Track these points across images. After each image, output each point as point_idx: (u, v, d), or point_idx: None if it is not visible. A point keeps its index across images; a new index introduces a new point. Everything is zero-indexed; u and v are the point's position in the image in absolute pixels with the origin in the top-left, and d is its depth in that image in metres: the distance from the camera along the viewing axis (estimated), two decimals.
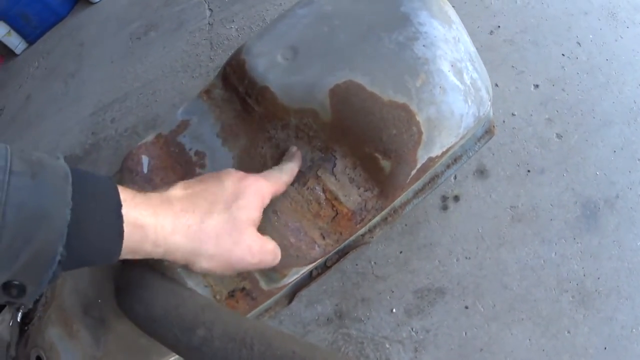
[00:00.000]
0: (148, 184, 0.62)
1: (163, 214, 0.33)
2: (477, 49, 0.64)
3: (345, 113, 0.52)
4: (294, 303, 0.71)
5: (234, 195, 0.38)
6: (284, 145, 0.57)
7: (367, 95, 0.51)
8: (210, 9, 1.46)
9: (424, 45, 0.53)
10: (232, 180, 0.40)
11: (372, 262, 0.87)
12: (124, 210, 0.30)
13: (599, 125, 0.92)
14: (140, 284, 0.43)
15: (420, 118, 0.53)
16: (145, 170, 0.64)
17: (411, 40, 0.53)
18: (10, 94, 1.90)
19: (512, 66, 0.99)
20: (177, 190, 0.37)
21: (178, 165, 0.63)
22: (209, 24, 1.42)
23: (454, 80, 0.55)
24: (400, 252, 0.86)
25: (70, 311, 0.62)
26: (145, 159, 0.65)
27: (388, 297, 0.84)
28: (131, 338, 0.59)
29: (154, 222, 0.32)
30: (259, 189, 0.41)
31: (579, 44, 1.04)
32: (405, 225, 0.88)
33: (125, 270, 0.49)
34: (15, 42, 2.15)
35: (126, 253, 0.32)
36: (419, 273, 0.85)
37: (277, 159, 0.57)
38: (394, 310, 0.83)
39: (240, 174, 0.41)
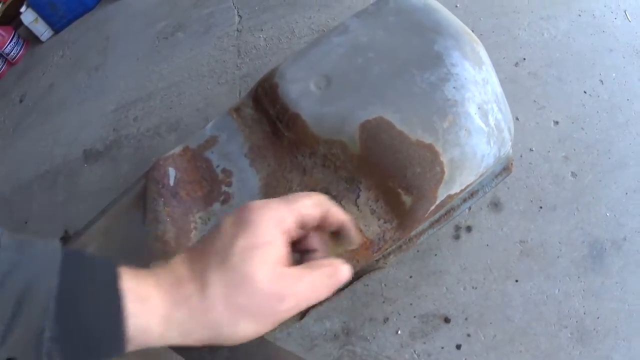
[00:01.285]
0: (174, 197, 0.64)
1: (165, 286, 0.28)
2: (501, 80, 0.65)
3: (374, 148, 0.54)
4: (304, 318, 0.72)
5: (232, 237, 0.29)
6: (311, 172, 0.58)
7: (396, 133, 0.53)
8: (239, 15, 1.48)
9: (454, 87, 0.54)
10: (231, 219, 0.30)
11: (383, 284, 0.88)
12: (122, 283, 0.26)
13: (613, 166, 0.93)
14: None
15: (444, 159, 0.55)
16: (171, 182, 0.65)
17: (442, 81, 0.54)
18: (33, 81, 1.93)
19: (534, 100, 1.00)
20: (178, 258, 0.30)
21: (204, 180, 0.65)
22: (237, 30, 1.44)
23: (480, 123, 0.57)
24: (410, 277, 0.87)
25: None
26: (172, 171, 0.67)
27: (395, 319, 0.85)
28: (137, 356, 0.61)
29: (155, 294, 0.27)
30: (272, 214, 0.30)
31: (601, 81, 1.04)
32: (417, 251, 0.89)
33: None
34: (42, 30, 2.18)
35: (134, 337, 0.26)
36: (426, 298, 0.86)
37: (303, 185, 0.59)
38: (399, 332, 0.84)
39: (245, 206, 0.31)
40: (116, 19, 1.88)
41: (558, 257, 0.87)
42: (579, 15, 1.18)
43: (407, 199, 0.56)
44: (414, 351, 0.83)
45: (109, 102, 1.54)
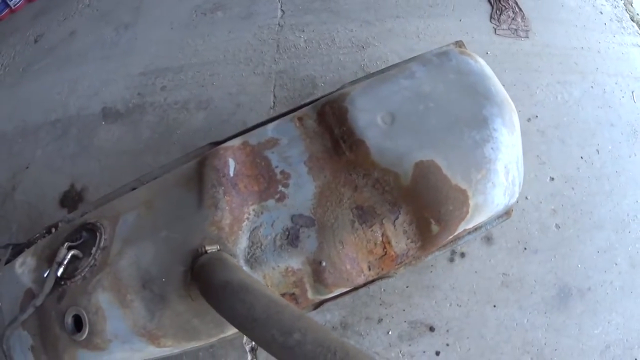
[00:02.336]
0: (233, 187, 0.74)
1: None
2: None
3: (421, 184, 0.68)
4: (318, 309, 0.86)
5: None
6: (361, 190, 0.71)
7: (442, 176, 0.67)
8: (282, 10, 1.57)
9: (492, 148, 0.70)
10: None
11: (382, 289, 1.03)
12: None
13: (592, 226, 1.12)
14: (242, 287, 0.55)
15: (471, 202, 0.70)
16: (231, 173, 0.76)
17: (484, 142, 0.69)
18: (53, 23, 1.92)
19: (537, 155, 1.18)
20: None
21: (261, 177, 0.77)
22: (279, 25, 1.53)
23: (502, 179, 0.72)
24: (407, 287, 1.03)
25: (127, 282, 0.73)
26: (232, 162, 0.78)
27: (388, 321, 1.01)
28: (186, 318, 0.72)
29: None
30: None
31: (597, 151, 1.24)
32: (415, 266, 1.04)
33: (220, 271, 0.61)
34: None
35: None
36: (417, 307, 1.02)
37: (352, 200, 0.71)
38: (390, 332, 1.00)
39: None
40: None
41: (531, 292, 1.05)
42: (592, 87, 1.37)
43: (435, 228, 0.71)
44: (400, 351, 0.99)
45: (136, 64, 1.59)
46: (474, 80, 0.74)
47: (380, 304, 1.03)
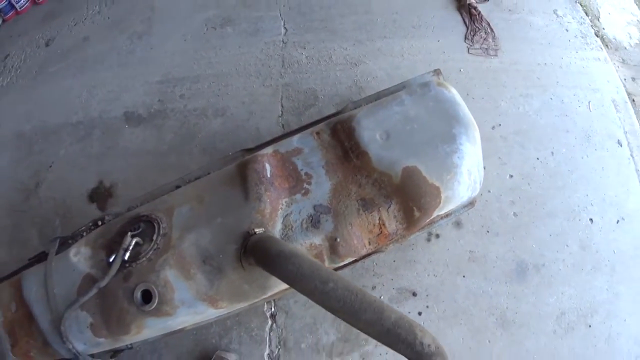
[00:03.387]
0: (270, 185, 1.04)
1: None
2: (481, 137, 1.12)
3: (407, 182, 0.99)
4: None
5: None
6: (364, 187, 1.02)
7: (422, 177, 0.99)
8: (285, 28, 1.85)
9: (458, 157, 1.02)
10: None
11: (374, 263, 1.35)
12: None
13: (545, 215, 1.47)
14: (291, 254, 0.85)
15: (443, 195, 1.02)
16: (268, 174, 1.05)
17: (453, 152, 1.01)
18: (63, 29, 2.12)
19: (499, 157, 1.52)
20: None
21: (291, 177, 1.06)
22: (282, 42, 1.81)
23: (466, 179, 1.05)
24: (394, 261, 1.36)
25: (189, 259, 1.01)
26: (268, 166, 1.07)
27: (379, 288, 1.33)
28: (238, 284, 1.01)
29: None
30: None
31: (552, 153, 1.58)
32: (401, 245, 1.36)
33: (273, 244, 0.89)
34: None
35: None
36: (402, 278, 1.35)
37: (357, 194, 1.02)
38: (382, 297, 1.33)
39: None
40: None
41: (494, 267, 1.39)
42: (551, 99, 1.71)
43: (417, 214, 1.03)
44: None
45: (153, 73, 1.83)
46: (447, 106, 1.06)
47: (373, 275, 1.35)
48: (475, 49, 1.78)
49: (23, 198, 1.74)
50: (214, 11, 1.95)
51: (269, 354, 1.33)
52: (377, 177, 1.02)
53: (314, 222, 1.01)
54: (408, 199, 1.01)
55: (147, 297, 1.00)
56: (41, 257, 1.32)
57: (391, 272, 1.35)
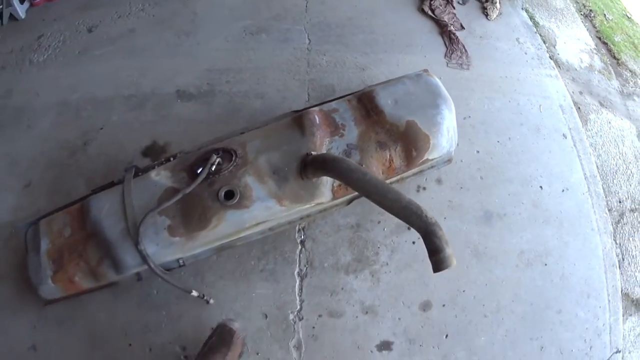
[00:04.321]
0: (319, 129, 1.70)
1: None
2: (455, 124, 1.85)
3: (408, 131, 1.71)
4: (349, 207, 1.82)
5: None
6: (380, 133, 1.71)
7: (418, 128, 1.71)
8: (309, 39, 2.59)
9: (440, 118, 1.76)
10: None
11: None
12: None
13: (504, 180, 2.19)
14: (342, 158, 1.50)
15: (431, 142, 1.75)
16: (317, 122, 1.72)
17: (437, 114, 1.75)
18: (105, 18, 2.73)
19: (469, 139, 2.25)
20: None
21: (331, 125, 1.75)
22: (307, 49, 2.54)
23: (445, 133, 1.78)
24: None
25: (263, 170, 1.65)
26: (316, 117, 1.74)
27: (383, 223, 1.98)
28: (297, 190, 1.66)
29: None
30: None
31: (509, 139, 2.33)
32: (402, 185, 2.01)
33: (326, 155, 1.55)
34: None
35: None
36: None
37: (375, 139, 1.70)
38: (385, 229, 1.97)
39: None
40: (203, 0, 2.84)
41: (467, 213, 2.08)
42: (509, 101, 2.49)
43: (414, 154, 1.72)
44: (391, 240, 1.95)
45: (201, 63, 2.49)
46: (433, 88, 1.80)
47: (378, 213, 1.98)
48: (453, 64, 2.57)
49: (68, 154, 2.20)
50: (250, 21, 2.67)
51: (298, 272, 1.91)
52: (389, 127, 1.71)
53: (347, 154, 1.67)
54: (409, 142, 1.70)
55: (229, 195, 1.59)
56: (105, 187, 1.81)
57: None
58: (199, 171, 1.61)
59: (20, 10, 2.99)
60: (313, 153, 1.61)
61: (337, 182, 1.67)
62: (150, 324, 1.79)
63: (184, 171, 1.67)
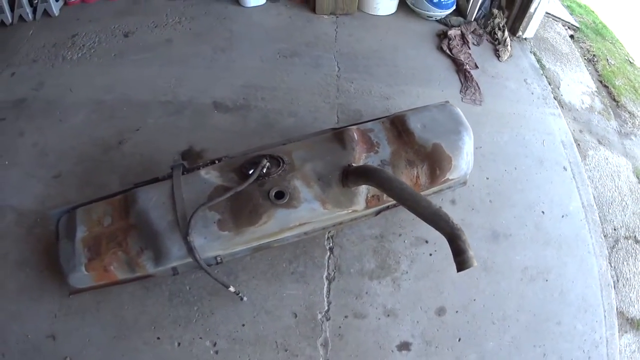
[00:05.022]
0: (357, 144, 2.09)
1: None
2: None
3: (434, 152, 2.11)
4: (373, 219, 2.19)
5: None
6: (409, 153, 2.10)
7: (442, 150, 2.12)
8: (338, 66, 3.02)
9: (461, 143, 2.17)
10: None
11: (400, 219, 2.36)
12: None
13: (510, 205, 2.58)
14: (380, 169, 1.88)
15: (453, 163, 2.15)
16: (356, 138, 2.11)
17: (459, 139, 2.17)
18: (142, 26, 3.13)
19: (480, 166, 2.64)
20: None
21: (367, 143, 2.14)
22: (337, 75, 2.96)
23: (464, 157, 2.19)
24: (412, 219, 2.34)
25: (309, 176, 2.03)
26: (355, 134, 2.13)
27: (404, 236, 2.33)
28: (338, 196, 2.05)
29: None
30: None
31: (515, 168, 2.74)
32: None
33: (366, 166, 1.93)
34: None
35: None
36: (418, 230, 2.35)
37: (405, 157, 2.09)
38: (405, 241, 2.32)
39: None
40: (238, 21, 3.29)
41: (476, 232, 2.45)
42: (516, 135, 2.92)
43: (438, 172, 2.11)
44: (410, 252, 2.30)
45: (237, 78, 2.88)
46: (456, 116, 2.21)
47: (400, 227, 2.35)
48: (467, 99, 3.03)
49: (102, 151, 2.51)
50: (284, 45, 3.11)
51: (326, 276, 2.22)
52: (417, 148, 2.11)
53: None
54: (434, 162, 2.09)
55: (279, 195, 1.91)
56: (149, 182, 2.02)
57: (411, 226, 2.37)
58: (250, 172, 1.93)
59: (55, 8, 3.34)
60: (354, 164, 1.99)
61: (370, 194, 2.03)
62: (180, 319, 2.00)
63: (232, 172, 1.99)
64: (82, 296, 1.97)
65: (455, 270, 1.61)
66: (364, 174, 1.91)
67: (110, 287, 1.96)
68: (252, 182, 1.90)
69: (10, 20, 3.22)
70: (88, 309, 1.99)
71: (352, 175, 1.95)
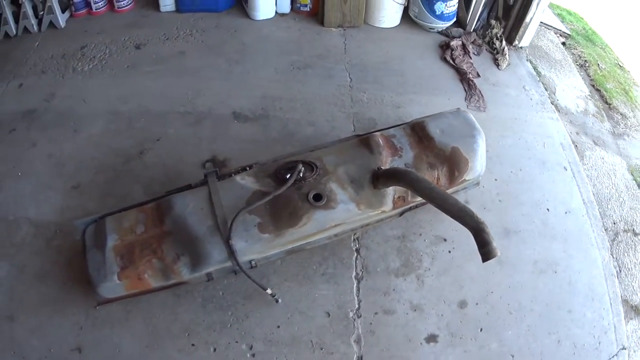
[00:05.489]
0: (383, 150, 2.34)
1: None
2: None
3: (453, 155, 2.37)
4: (395, 221, 2.45)
5: None
6: (429, 156, 2.37)
7: (460, 153, 2.38)
8: (350, 77, 3.28)
9: (476, 146, 2.45)
10: None
11: (420, 219, 2.61)
12: None
13: (518, 203, 2.84)
14: (410, 170, 2.13)
15: (469, 165, 2.42)
16: (381, 144, 2.37)
17: (474, 143, 2.44)
18: (153, 38, 3.31)
19: (489, 169, 2.92)
20: None
21: (392, 148, 2.40)
22: (349, 86, 3.21)
23: (479, 159, 2.48)
24: (431, 220, 2.63)
25: (343, 179, 2.26)
26: (380, 140, 2.39)
27: (424, 235, 2.57)
28: (370, 197, 2.28)
29: None
30: None
31: (520, 169, 3.03)
32: None
33: (395, 168, 2.19)
34: (167, 2, 3.61)
35: None
36: (437, 229, 2.60)
37: (426, 161, 2.35)
38: (425, 240, 2.57)
39: None
40: (249, 33, 3.52)
41: (490, 229, 2.71)
42: (519, 139, 3.20)
43: (456, 174, 2.38)
44: (431, 250, 2.55)
45: (254, 90, 3.10)
46: (470, 121, 2.49)
47: (420, 227, 2.59)
48: (472, 106, 3.33)
49: (123, 161, 2.63)
50: (297, 57, 3.36)
51: (355, 275, 2.42)
52: (437, 151, 2.37)
53: None
54: (453, 164, 2.36)
55: (317, 198, 2.12)
56: (182, 189, 2.13)
57: (430, 225, 2.62)
58: (287, 176, 2.12)
59: (61, 19, 3.47)
60: (382, 167, 2.24)
61: (397, 195, 2.27)
62: (214, 324, 2.10)
63: (267, 177, 2.17)
64: (110, 307, 2.03)
65: (478, 263, 1.85)
66: (395, 176, 2.16)
67: (139, 296, 2.03)
68: (290, 186, 2.10)
69: (14, 32, 3.34)
70: (117, 319, 2.04)
71: (383, 178, 2.19)
